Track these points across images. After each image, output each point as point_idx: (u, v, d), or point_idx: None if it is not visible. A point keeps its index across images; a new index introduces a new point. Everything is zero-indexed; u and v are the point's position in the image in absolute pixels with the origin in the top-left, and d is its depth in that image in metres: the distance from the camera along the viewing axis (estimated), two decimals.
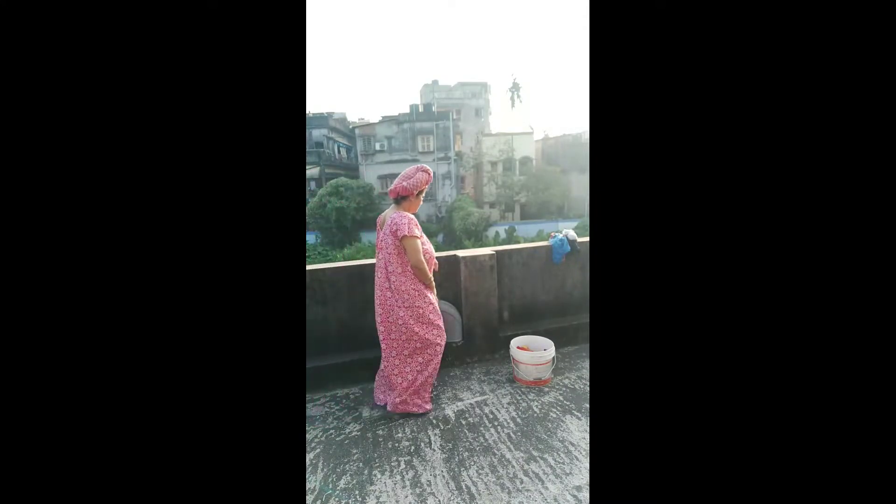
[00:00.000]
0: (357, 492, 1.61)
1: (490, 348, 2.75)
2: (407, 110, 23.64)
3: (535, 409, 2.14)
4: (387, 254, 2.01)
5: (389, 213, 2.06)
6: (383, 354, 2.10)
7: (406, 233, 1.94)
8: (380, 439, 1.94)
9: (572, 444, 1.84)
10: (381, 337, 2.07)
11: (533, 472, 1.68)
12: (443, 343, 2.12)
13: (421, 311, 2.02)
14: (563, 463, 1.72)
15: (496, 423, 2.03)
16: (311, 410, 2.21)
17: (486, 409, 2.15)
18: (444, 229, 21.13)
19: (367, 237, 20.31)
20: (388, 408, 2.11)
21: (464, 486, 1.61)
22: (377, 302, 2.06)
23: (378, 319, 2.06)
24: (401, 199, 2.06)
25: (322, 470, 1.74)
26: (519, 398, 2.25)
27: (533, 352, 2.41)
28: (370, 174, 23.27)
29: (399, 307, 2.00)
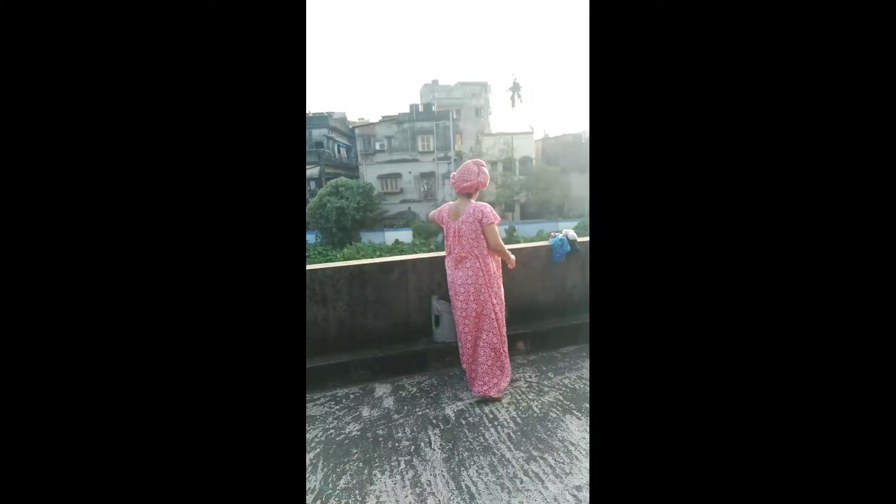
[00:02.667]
0: (357, 492, 1.61)
1: None
2: (407, 110, 23.65)
3: (535, 408, 2.14)
4: (471, 241, 2.16)
5: (462, 205, 2.22)
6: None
7: (493, 220, 2.15)
8: (380, 439, 1.94)
9: (572, 444, 1.84)
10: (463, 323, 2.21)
11: (533, 471, 1.68)
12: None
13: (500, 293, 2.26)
14: (563, 463, 1.72)
15: (496, 423, 2.03)
16: (311, 410, 2.22)
17: (486, 409, 2.15)
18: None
19: (366, 237, 20.31)
20: (494, 393, 2.20)
21: (464, 486, 1.61)
22: (461, 289, 2.18)
23: (462, 305, 2.20)
24: (474, 192, 2.25)
25: (322, 470, 1.74)
26: (519, 398, 2.25)
27: None
28: (370, 174, 23.28)
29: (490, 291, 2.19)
